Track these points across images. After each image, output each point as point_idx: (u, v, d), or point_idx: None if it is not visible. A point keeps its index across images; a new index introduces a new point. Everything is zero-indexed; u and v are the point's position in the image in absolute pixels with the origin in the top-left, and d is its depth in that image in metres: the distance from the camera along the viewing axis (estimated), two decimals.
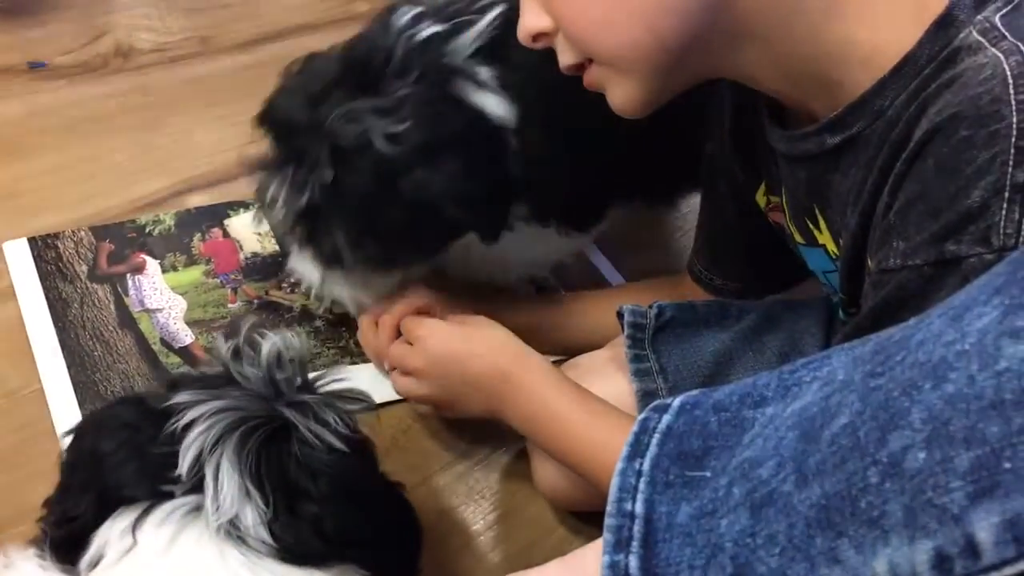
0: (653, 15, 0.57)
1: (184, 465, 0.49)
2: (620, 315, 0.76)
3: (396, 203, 0.73)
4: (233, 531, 0.48)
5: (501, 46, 0.75)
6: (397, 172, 0.72)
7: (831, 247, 0.66)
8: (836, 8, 0.55)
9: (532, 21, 0.62)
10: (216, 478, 0.49)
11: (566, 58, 0.63)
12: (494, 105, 0.74)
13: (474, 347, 0.73)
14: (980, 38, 0.51)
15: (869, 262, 0.57)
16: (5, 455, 0.75)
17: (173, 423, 0.51)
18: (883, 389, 0.35)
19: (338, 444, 0.53)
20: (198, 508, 0.49)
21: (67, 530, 0.50)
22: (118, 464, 0.51)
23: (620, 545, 0.42)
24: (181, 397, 0.52)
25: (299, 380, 0.55)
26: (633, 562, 0.42)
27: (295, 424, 0.53)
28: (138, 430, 0.52)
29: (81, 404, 0.79)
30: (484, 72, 0.74)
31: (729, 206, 0.80)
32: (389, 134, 0.71)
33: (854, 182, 0.58)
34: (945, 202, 0.48)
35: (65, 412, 0.78)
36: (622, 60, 0.60)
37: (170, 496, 0.49)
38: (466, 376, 0.72)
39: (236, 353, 0.55)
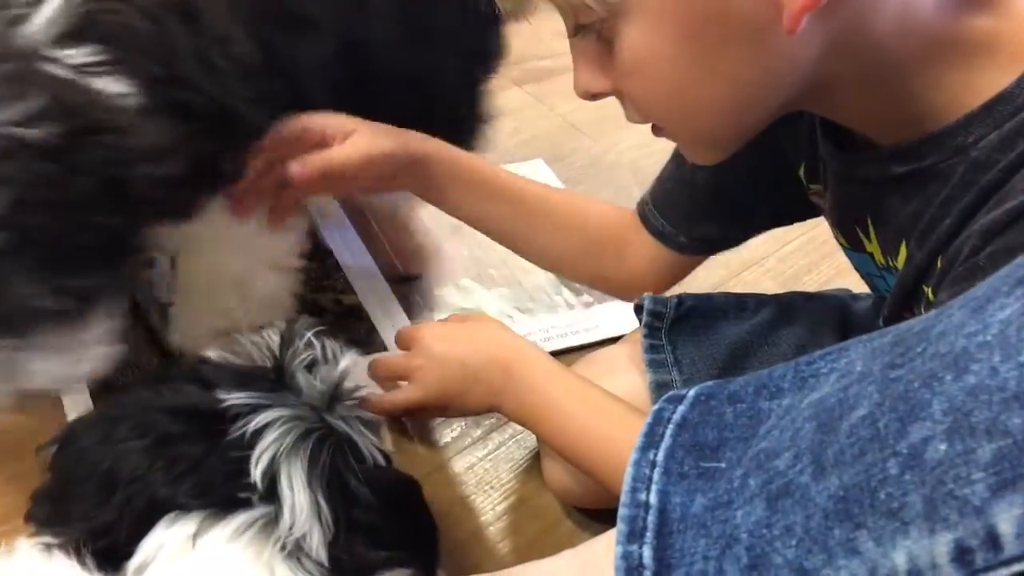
0: (735, 105, 0.56)
1: (256, 473, 0.48)
2: (639, 307, 0.76)
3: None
4: (295, 552, 0.47)
5: (93, 25, 0.59)
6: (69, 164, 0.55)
7: (879, 257, 0.64)
8: (930, 57, 0.53)
9: (591, 83, 0.59)
10: (291, 488, 0.48)
11: (635, 119, 0.61)
12: (104, 82, 0.59)
13: (474, 341, 0.72)
14: None
15: (929, 291, 0.55)
16: (21, 443, 0.75)
17: (241, 427, 0.49)
18: (903, 380, 0.35)
19: (380, 459, 0.53)
20: (265, 523, 0.48)
21: (110, 541, 0.48)
22: (172, 480, 0.48)
23: (634, 536, 0.42)
24: (238, 399, 0.51)
25: (348, 398, 0.55)
26: (647, 552, 0.42)
27: (351, 438, 0.52)
28: (187, 440, 0.50)
29: (92, 395, 0.79)
30: (79, 53, 0.58)
31: (756, 175, 0.75)
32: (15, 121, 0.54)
33: (917, 212, 0.56)
34: None
35: (77, 403, 0.78)
36: (701, 140, 0.60)
37: (235, 504, 0.48)
38: (467, 369, 0.71)
39: (312, 364, 0.54)
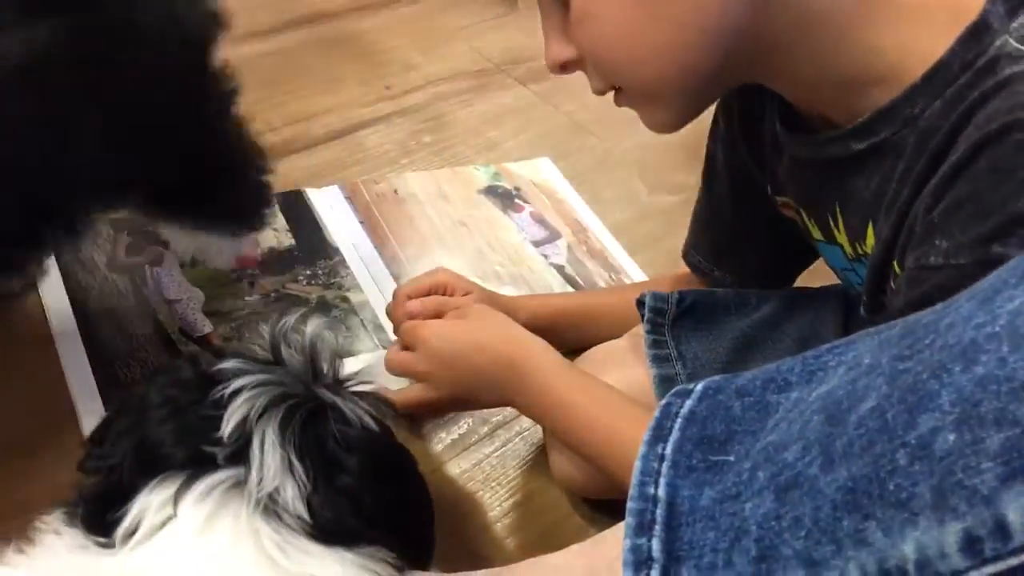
0: (677, 48, 0.58)
1: (227, 429, 0.50)
2: (640, 302, 0.76)
3: None
4: (271, 506, 0.49)
5: None
6: None
7: (847, 248, 0.66)
8: (863, 17, 0.55)
9: (558, 51, 0.63)
10: (262, 449, 0.49)
11: (595, 84, 0.64)
12: None
13: (478, 340, 0.72)
14: (1020, 46, 0.51)
15: (896, 265, 0.56)
16: (28, 440, 0.75)
17: (220, 390, 0.51)
18: (912, 372, 0.35)
19: (371, 424, 0.54)
20: (238, 484, 0.49)
21: (103, 483, 0.51)
22: (160, 420, 0.51)
23: (643, 528, 0.42)
24: (229, 364, 0.53)
25: (334, 371, 0.56)
26: (656, 545, 0.42)
27: (333, 403, 0.53)
28: (186, 388, 0.53)
29: (102, 391, 0.79)
30: None
31: (735, 202, 0.80)
32: None
33: (880, 190, 0.58)
34: (996, 205, 0.48)
35: (86, 398, 0.79)
36: (650, 90, 0.62)
37: (208, 460, 0.50)
38: (474, 370, 0.72)
39: (283, 337, 0.56)
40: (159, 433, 0.51)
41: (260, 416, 0.51)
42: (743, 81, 0.64)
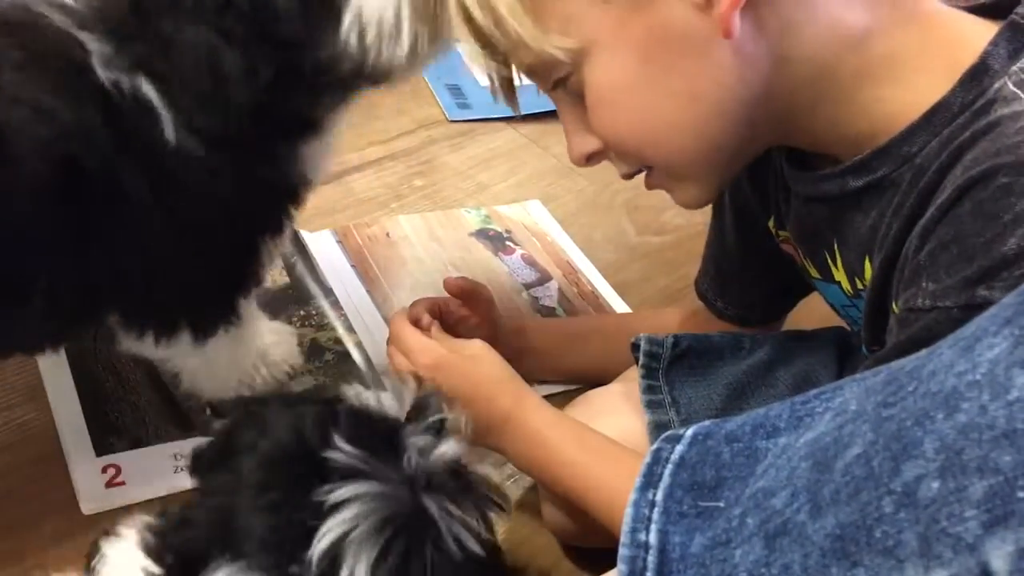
0: (697, 123, 0.59)
1: (317, 549, 0.46)
2: (636, 345, 0.77)
3: None
4: None
5: None
6: None
7: (846, 285, 0.66)
8: (867, 72, 0.56)
9: (581, 145, 0.64)
10: None
11: (623, 168, 0.65)
12: None
13: (476, 389, 0.72)
14: (1016, 89, 0.52)
15: (894, 303, 0.57)
16: (19, 487, 0.75)
17: (325, 492, 0.48)
18: (896, 419, 0.36)
19: (476, 549, 0.50)
20: None
21: (182, 540, 0.48)
22: (254, 507, 0.48)
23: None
24: (339, 457, 0.49)
25: (451, 478, 0.52)
26: None
27: (438, 524, 0.49)
28: (292, 472, 0.49)
29: (93, 436, 0.79)
30: None
31: (738, 236, 0.81)
32: None
33: (875, 225, 0.59)
34: (980, 247, 0.48)
35: (77, 444, 0.78)
36: (676, 168, 0.62)
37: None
38: (466, 415, 0.73)
39: (427, 438, 0.52)
40: (249, 521, 0.48)
41: (355, 541, 0.46)
42: (767, 146, 0.65)
